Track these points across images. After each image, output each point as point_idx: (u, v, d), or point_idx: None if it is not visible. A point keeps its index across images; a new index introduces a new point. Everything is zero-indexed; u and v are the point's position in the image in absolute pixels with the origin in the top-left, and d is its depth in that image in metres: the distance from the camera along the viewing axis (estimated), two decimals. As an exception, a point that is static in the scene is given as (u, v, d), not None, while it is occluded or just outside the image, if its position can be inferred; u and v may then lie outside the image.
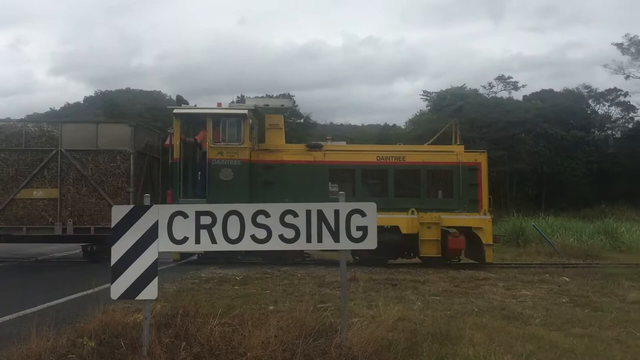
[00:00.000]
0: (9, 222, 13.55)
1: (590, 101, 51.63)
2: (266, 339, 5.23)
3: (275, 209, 5.78)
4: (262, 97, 15.49)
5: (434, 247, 13.64)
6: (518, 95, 52.10)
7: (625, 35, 52.08)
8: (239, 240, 5.67)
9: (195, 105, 14.35)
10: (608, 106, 52.16)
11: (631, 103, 51.35)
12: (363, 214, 5.86)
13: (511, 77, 54.60)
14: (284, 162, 14.10)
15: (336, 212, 5.82)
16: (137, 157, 14.01)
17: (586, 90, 51.90)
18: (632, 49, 51.10)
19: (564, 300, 9.14)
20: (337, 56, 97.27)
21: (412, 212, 13.82)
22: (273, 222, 5.71)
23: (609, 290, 10.20)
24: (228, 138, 13.65)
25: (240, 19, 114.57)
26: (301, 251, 13.69)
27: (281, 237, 5.71)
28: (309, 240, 5.76)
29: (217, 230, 5.62)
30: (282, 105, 15.50)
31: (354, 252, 14.46)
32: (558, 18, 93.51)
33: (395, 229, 13.77)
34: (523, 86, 53.94)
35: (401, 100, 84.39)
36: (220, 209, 5.72)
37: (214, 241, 5.60)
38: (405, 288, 10.02)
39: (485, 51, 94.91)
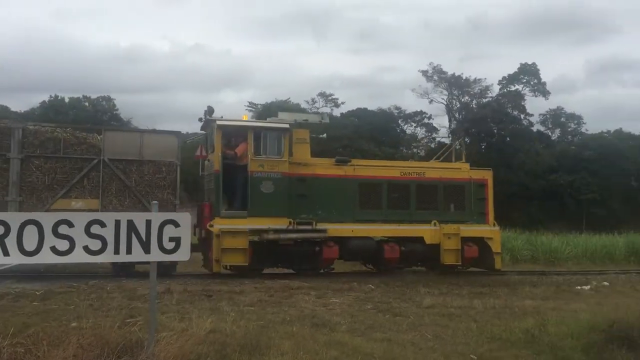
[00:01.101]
0: None
1: (400, 121, 56.28)
2: (64, 359, 4.87)
3: (80, 218, 5.45)
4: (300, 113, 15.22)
5: (454, 256, 14.68)
6: (338, 112, 55.02)
7: (430, 64, 57.96)
8: (36, 252, 5.23)
9: (222, 116, 14.07)
10: (415, 127, 57.33)
11: (434, 125, 57.06)
12: (177, 225, 5.76)
13: (332, 94, 57.50)
14: (317, 175, 14.38)
15: (148, 223, 5.65)
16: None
17: (397, 111, 56.53)
18: (435, 77, 57.01)
19: (368, 307, 9.77)
20: (162, 61, 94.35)
21: (435, 224, 14.77)
22: (77, 233, 5.36)
23: (408, 296, 11.09)
24: (269, 151, 13.71)
25: (55, 11, 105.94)
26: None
27: (86, 248, 5.40)
28: (117, 252, 5.52)
29: (11, 241, 5.13)
30: (320, 121, 15.29)
31: (370, 262, 15.45)
32: (375, 43, 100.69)
33: (420, 240, 14.65)
34: (342, 103, 57.10)
35: (227, 110, 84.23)
36: (15, 218, 5.25)
37: (6, 253, 5.09)
38: (221, 299, 9.98)
39: (309, 68, 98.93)
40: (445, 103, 58.58)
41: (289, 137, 14.10)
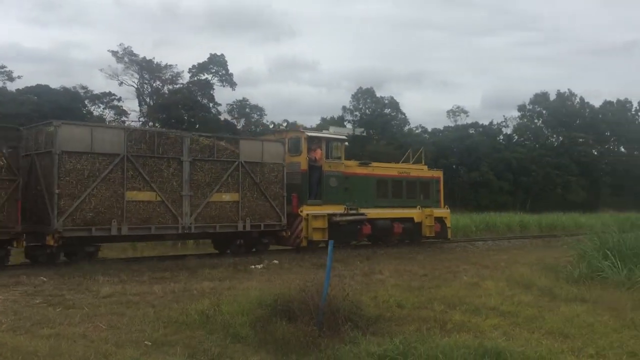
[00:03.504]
0: (205, 221, 15.47)
1: (86, 102, 52.80)
2: None
3: None
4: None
5: (430, 230, 20.91)
6: (13, 87, 48.96)
7: (120, 45, 55.67)
8: None
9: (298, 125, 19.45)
10: (103, 108, 54.48)
11: (124, 108, 55.10)
12: None
13: (5, 67, 50.86)
14: (355, 174, 19.56)
15: None
16: None
17: (83, 91, 52.85)
18: (126, 59, 55.03)
19: (37, 302, 9.00)
20: None
21: (419, 208, 20.93)
22: None
23: (85, 286, 10.51)
24: (333, 155, 18.65)
25: None
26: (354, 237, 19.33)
27: None
28: None
29: None
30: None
31: (382, 236, 20.25)
32: (60, 15, 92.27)
33: (411, 219, 20.58)
34: (19, 77, 51.00)
35: None
36: None
37: None
38: None
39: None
40: (136, 86, 57.07)
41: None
